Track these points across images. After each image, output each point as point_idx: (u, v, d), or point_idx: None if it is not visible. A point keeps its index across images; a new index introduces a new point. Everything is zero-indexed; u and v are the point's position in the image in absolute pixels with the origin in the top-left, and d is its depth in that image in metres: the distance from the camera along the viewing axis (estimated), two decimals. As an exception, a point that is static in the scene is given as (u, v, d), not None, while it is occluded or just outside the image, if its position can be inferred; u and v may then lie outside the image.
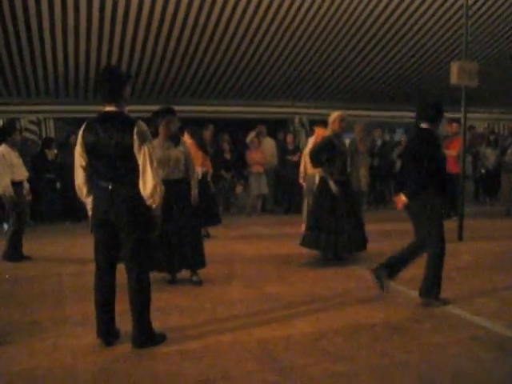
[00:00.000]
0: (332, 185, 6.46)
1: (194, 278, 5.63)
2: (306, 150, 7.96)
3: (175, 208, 5.43)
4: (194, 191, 5.78)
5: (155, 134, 5.32)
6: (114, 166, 3.69)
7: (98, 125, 3.73)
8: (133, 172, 3.69)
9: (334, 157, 6.45)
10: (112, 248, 3.86)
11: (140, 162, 3.65)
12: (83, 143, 3.75)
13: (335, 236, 6.33)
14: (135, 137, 3.62)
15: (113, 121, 3.72)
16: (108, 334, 3.85)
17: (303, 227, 8.05)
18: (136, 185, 3.71)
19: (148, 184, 3.66)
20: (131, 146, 3.63)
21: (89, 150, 3.75)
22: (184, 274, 5.64)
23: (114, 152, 3.65)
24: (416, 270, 6.14)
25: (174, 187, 5.41)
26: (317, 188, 6.76)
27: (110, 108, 3.76)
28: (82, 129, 3.79)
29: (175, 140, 5.59)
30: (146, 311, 3.83)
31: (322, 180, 6.60)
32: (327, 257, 6.64)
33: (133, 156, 3.66)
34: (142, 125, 3.71)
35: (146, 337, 3.81)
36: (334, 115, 6.55)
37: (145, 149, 3.64)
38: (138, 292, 3.79)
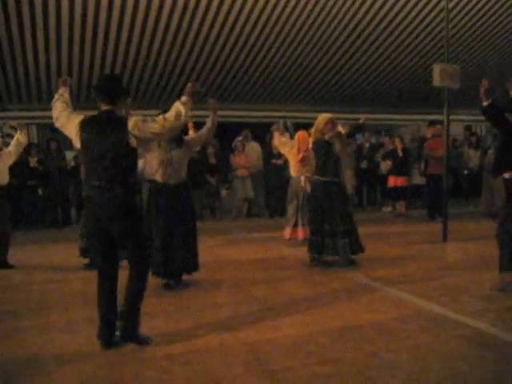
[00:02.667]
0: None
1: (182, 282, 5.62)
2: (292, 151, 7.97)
3: (175, 213, 5.40)
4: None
5: None
6: (107, 165, 3.70)
7: (92, 122, 3.80)
8: (125, 171, 3.76)
9: (327, 158, 6.44)
10: (110, 251, 3.89)
11: (158, 121, 3.86)
12: (80, 140, 3.80)
13: (333, 238, 6.32)
14: (132, 128, 3.74)
15: (107, 119, 3.79)
16: (110, 337, 3.84)
17: (287, 231, 8.07)
18: (128, 185, 3.77)
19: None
20: (125, 143, 3.71)
21: (84, 147, 3.79)
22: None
23: (106, 150, 3.69)
24: (401, 270, 6.20)
25: (174, 191, 5.40)
26: (311, 193, 6.77)
27: (105, 107, 3.83)
28: (78, 126, 3.81)
29: (178, 142, 5.48)
30: (139, 308, 3.90)
31: (311, 183, 6.61)
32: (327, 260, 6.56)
33: (126, 155, 3.73)
34: (134, 117, 3.83)
35: (134, 333, 3.87)
36: (322, 118, 6.53)
37: (152, 119, 3.87)
38: (137, 289, 3.88)
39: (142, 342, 3.86)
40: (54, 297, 5.48)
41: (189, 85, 4.14)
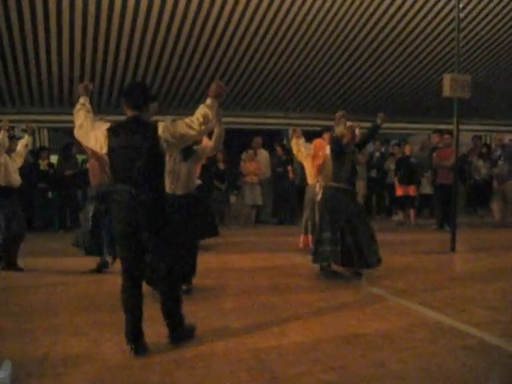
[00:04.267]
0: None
1: (185, 287, 5.62)
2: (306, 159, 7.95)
3: (179, 222, 5.40)
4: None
5: None
6: (137, 170, 3.75)
7: (121, 128, 3.86)
8: (155, 176, 3.84)
9: (342, 161, 6.33)
10: (137, 255, 3.90)
11: (185, 124, 3.84)
12: (108, 146, 3.84)
13: (343, 248, 6.15)
14: (163, 133, 3.78)
15: (136, 125, 3.84)
16: (139, 342, 3.85)
17: (302, 239, 8.05)
18: (157, 189, 3.84)
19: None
20: (156, 148, 3.77)
21: (112, 153, 3.84)
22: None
23: (137, 155, 3.74)
24: (408, 280, 6.18)
25: (180, 202, 5.40)
26: (321, 201, 6.62)
27: (133, 113, 3.89)
28: (105, 132, 3.85)
29: (187, 152, 5.45)
30: (179, 310, 4.05)
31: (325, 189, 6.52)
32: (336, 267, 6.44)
33: (156, 159, 3.81)
34: (163, 122, 3.87)
35: (183, 332, 4.05)
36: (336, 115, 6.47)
37: (179, 121, 3.88)
38: (170, 296, 4.00)
39: (191, 332, 4.11)
40: (61, 299, 5.52)
41: (213, 86, 3.96)
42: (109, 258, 6.66)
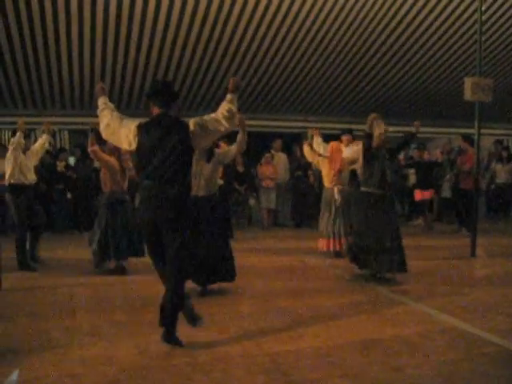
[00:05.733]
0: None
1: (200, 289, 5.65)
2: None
3: (204, 224, 5.44)
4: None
5: None
6: (166, 165, 3.84)
7: (152, 125, 3.94)
8: (182, 172, 3.91)
9: (371, 164, 6.29)
10: (160, 248, 4.02)
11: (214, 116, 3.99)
12: (138, 143, 3.93)
13: (375, 254, 6.16)
14: (194, 128, 3.90)
15: (167, 121, 3.96)
16: (172, 334, 3.96)
17: (320, 242, 8.01)
18: (184, 185, 3.92)
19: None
20: (187, 143, 3.89)
21: (141, 149, 3.93)
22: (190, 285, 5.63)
23: (170, 151, 3.83)
24: (427, 285, 6.12)
25: (202, 203, 5.45)
26: (354, 205, 6.61)
27: (160, 111, 4.00)
28: (135, 129, 3.93)
29: (208, 155, 5.52)
30: (177, 313, 4.02)
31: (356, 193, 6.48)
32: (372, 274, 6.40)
33: (186, 155, 3.92)
34: (193, 119, 3.98)
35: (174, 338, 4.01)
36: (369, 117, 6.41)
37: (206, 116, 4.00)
38: (173, 301, 3.97)
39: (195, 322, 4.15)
40: (78, 300, 5.56)
41: (231, 81, 4.15)
42: (113, 263, 6.79)
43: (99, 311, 5.05)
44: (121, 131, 3.99)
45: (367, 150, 6.34)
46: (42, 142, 7.35)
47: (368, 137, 6.35)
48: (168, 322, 3.95)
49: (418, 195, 11.54)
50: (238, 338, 4.21)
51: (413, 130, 6.72)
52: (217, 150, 5.71)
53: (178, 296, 3.99)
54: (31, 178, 7.16)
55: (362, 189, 6.44)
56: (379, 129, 6.27)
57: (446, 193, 12.39)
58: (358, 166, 6.75)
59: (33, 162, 7.25)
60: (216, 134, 4.09)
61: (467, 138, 11.06)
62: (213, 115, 4.01)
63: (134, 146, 3.96)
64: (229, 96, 4.08)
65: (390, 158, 6.69)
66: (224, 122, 3.96)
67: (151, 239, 4.02)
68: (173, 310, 3.95)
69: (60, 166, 10.99)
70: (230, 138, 6.44)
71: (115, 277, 6.61)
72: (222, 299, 5.51)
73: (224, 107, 4.01)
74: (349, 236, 6.57)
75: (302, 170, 12.14)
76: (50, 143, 12.04)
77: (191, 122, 3.93)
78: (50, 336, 4.29)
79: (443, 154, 12.90)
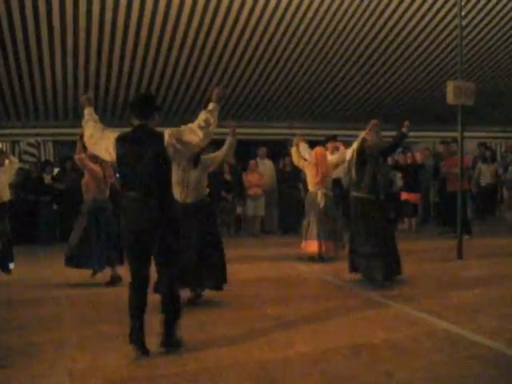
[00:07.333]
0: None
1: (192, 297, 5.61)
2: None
3: (195, 231, 5.40)
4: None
5: None
6: (144, 177, 3.85)
7: (129, 137, 3.95)
8: (162, 184, 3.93)
9: (363, 167, 6.28)
10: (144, 259, 3.99)
11: (189, 128, 3.97)
12: (116, 154, 3.93)
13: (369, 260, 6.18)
14: (169, 139, 3.87)
15: (143, 133, 3.95)
16: (143, 343, 3.92)
17: (303, 245, 8.01)
18: (165, 196, 3.93)
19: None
20: (163, 155, 3.87)
21: (120, 161, 3.93)
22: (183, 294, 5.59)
23: (145, 163, 3.83)
24: (415, 288, 6.14)
25: (192, 210, 5.41)
26: (352, 211, 6.53)
27: (139, 123, 3.99)
28: (114, 141, 3.94)
29: (195, 161, 5.50)
30: (177, 319, 4.04)
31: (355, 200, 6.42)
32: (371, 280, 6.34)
33: (163, 166, 3.91)
34: (169, 129, 3.95)
35: (173, 341, 4.03)
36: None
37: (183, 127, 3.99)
38: (170, 303, 4.01)
39: (179, 346, 4.05)
40: (66, 312, 5.52)
41: (215, 91, 4.20)
42: (96, 270, 6.78)
43: (87, 323, 5.00)
44: (102, 142, 4.02)
45: (360, 154, 6.34)
46: (15, 161, 7.47)
47: (363, 141, 6.34)
48: (169, 325, 3.99)
49: (404, 196, 11.62)
50: (227, 346, 4.18)
51: (403, 130, 6.72)
52: (204, 156, 5.70)
53: (175, 297, 4.04)
54: (4, 195, 7.15)
55: (353, 193, 6.44)
56: (377, 137, 6.32)
57: (433, 196, 12.45)
58: (342, 172, 6.77)
59: (7, 178, 7.23)
60: (193, 146, 4.05)
61: (445, 142, 11.17)
62: (189, 125, 4.01)
63: (113, 157, 3.97)
64: (211, 105, 4.11)
65: (384, 161, 6.71)
66: (199, 132, 3.95)
67: (135, 249, 3.97)
68: (174, 312, 4.01)
69: (47, 178, 10.97)
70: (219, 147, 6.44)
71: (102, 288, 6.55)
72: (210, 306, 5.48)
73: (201, 117, 4.02)
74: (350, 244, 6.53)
75: (288, 179, 12.11)
76: (34, 155, 12.07)
77: (166, 133, 3.92)
78: (37, 349, 4.24)
79: (423, 157, 12.95)
